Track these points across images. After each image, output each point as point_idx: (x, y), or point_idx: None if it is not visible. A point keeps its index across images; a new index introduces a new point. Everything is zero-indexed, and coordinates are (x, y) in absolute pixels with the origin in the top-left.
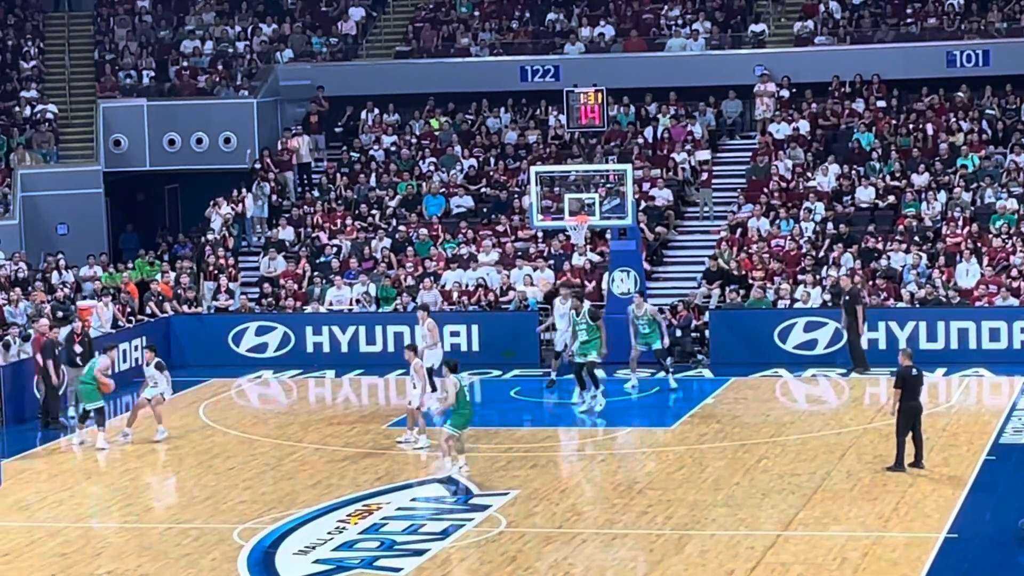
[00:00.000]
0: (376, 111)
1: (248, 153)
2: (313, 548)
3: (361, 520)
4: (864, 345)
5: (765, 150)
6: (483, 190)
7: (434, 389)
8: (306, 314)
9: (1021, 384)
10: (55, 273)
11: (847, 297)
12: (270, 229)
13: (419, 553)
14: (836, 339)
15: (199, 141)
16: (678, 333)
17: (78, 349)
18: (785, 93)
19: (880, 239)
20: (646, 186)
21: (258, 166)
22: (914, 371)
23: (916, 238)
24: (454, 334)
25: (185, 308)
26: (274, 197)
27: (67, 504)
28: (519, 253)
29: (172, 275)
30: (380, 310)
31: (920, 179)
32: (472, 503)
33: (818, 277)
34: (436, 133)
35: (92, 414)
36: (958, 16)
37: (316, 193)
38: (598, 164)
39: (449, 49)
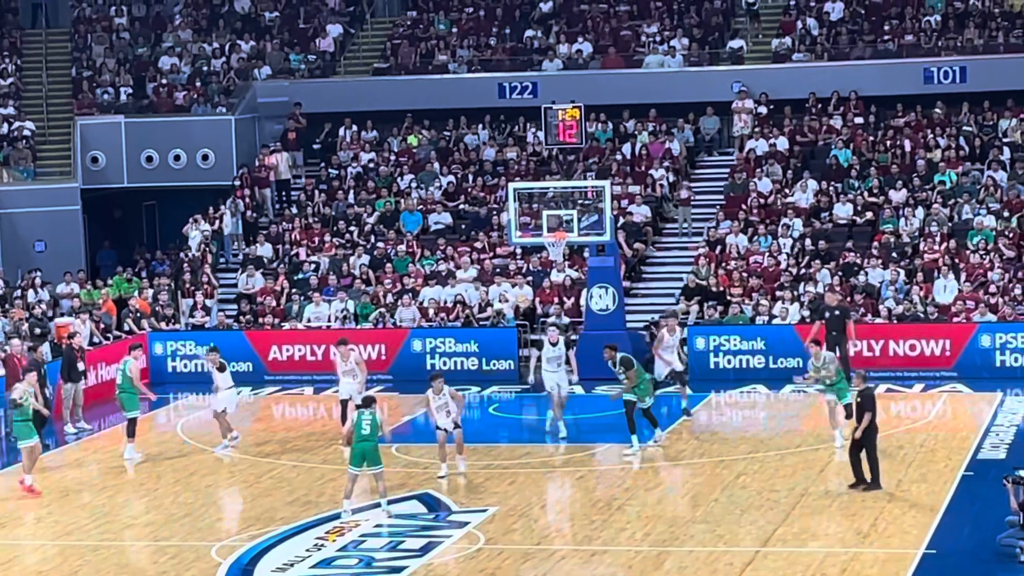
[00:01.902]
0: (354, 128)
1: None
2: (292, 565)
3: (340, 537)
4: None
5: (743, 166)
6: (461, 207)
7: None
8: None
9: (998, 400)
10: (31, 291)
11: (837, 312)
12: (248, 246)
13: (398, 570)
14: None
15: (177, 158)
16: None
17: (81, 367)
18: (763, 109)
19: (858, 255)
20: (624, 202)
21: (237, 183)
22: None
23: (894, 254)
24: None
25: (163, 325)
26: (250, 214)
27: (46, 521)
28: (498, 270)
29: (150, 292)
30: (359, 327)
31: (898, 195)
32: (451, 520)
33: (796, 293)
34: (414, 150)
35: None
36: (935, 33)
37: (294, 210)
38: (576, 181)
39: (427, 66)
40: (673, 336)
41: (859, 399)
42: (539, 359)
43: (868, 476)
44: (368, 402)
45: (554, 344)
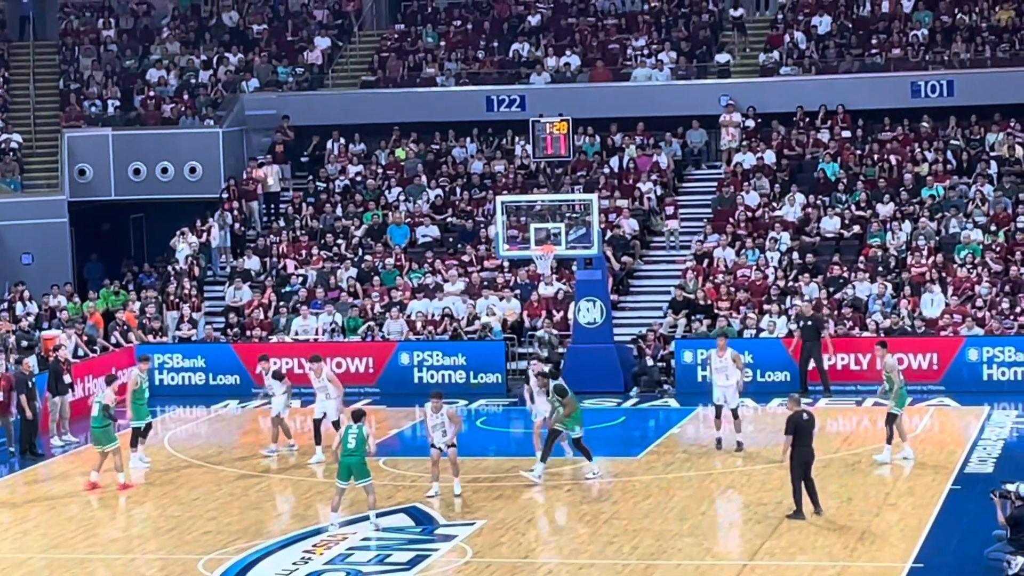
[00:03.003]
0: (342, 141)
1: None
2: None
3: (327, 550)
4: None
5: (731, 180)
6: (449, 220)
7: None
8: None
9: (986, 414)
10: (19, 303)
11: (810, 323)
12: (236, 259)
13: None
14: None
15: (164, 171)
16: (649, 362)
17: (67, 379)
18: (750, 123)
19: (845, 269)
20: (612, 216)
21: (224, 195)
22: (805, 416)
23: (881, 268)
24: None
25: (150, 338)
26: (238, 226)
27: (32, 535)
28: (485, 283)
29: (138, 305)
30: (346, 340)
31: (885, 209)
32: (438, 533)
33: (784, 307)
34: (402, 163)
35: (141, 430)
36: (922, 47)
37: (282, 223)
38: (564, 194)
39: (415, 79)
40: (722, 358)
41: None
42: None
43: (810, 503)
44: (358, 416)
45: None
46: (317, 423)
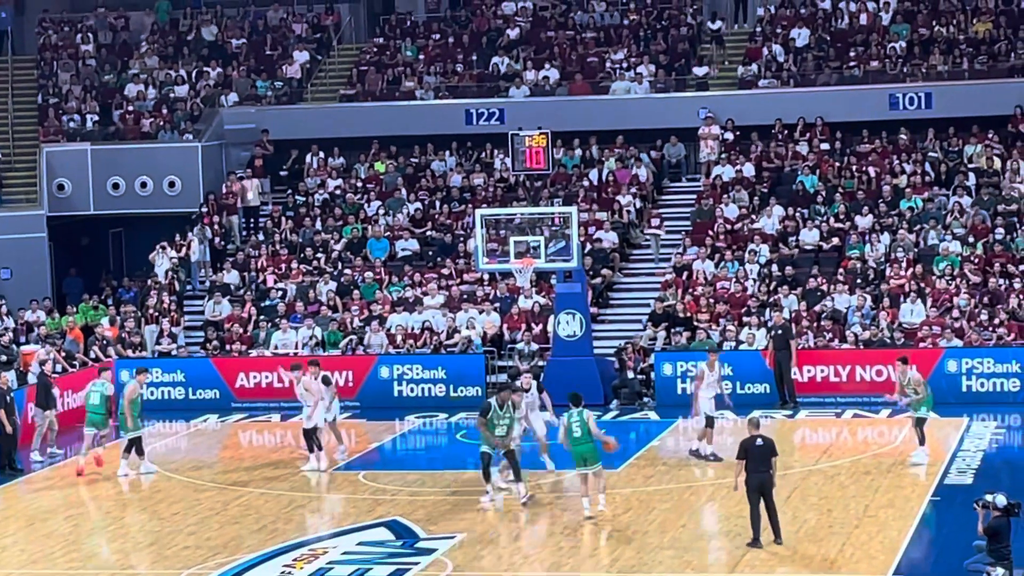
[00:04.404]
0: (321, 154)
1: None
2: None
3: (307, 565)
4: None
5: (710, 193)
6: (428, 233)
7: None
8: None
9: (965, 425)
10: None
11: (779, 332)
12: (215, 273)
13: None
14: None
15: (143, 185)
16: (629, 375)
17: (56, 392)
18: (729, 136)
19: (824, 281)
20: (591, 229)
21: (204, 209)
22: (759, 441)
23: (860, 280)
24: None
25: (130, 352)
26: (218, 241)
27: (11, 550)
28: (465, 296)
29: (118, 318)
30: (326, 353)
31: (864, 221)
32: (418, 547)
33: (763, 319)
34: (381, 176)
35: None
36: (900, 59)
37: (261, 236)
38: (543, 207)
39: (394, 92)
40: (713, 372)
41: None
42: None
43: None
44: (576, 400)
45: (527, 390)
46: (308, 432)
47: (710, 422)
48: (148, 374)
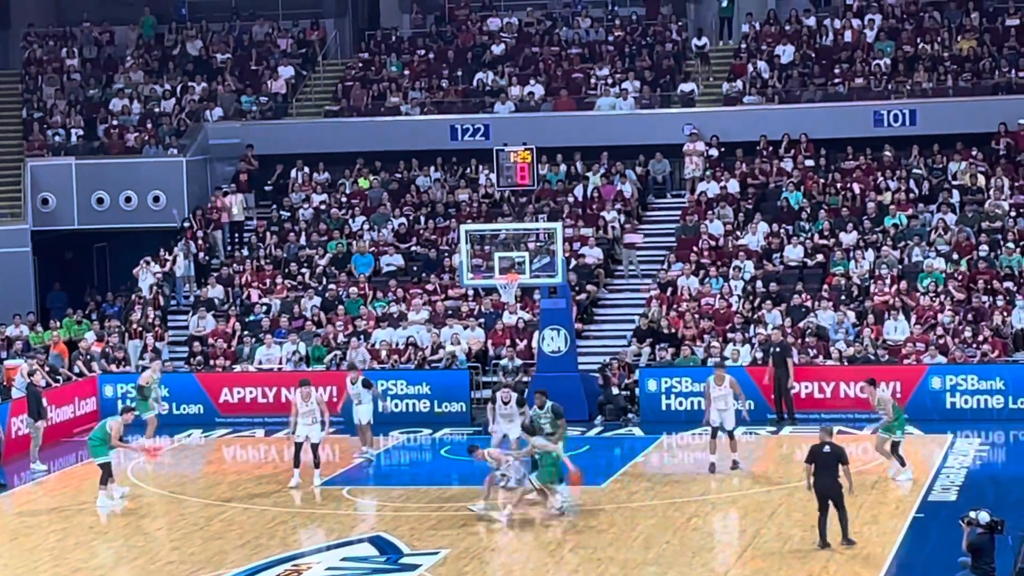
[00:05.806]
0: (306, 169)
1: (175, 212)
2: None
3: None
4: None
5: (694, 209)
6: (413, 248)
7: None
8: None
9: (949, 442)
10: None
11: (777, 349)
12: (199, 288)
13: None
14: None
15: (128, 200)
16: (614, 391)
17: (46, 402)
18: (714, 152)
19: (809, 297)
20: (576, 244)
21: (188, 224)
22: (826, 448)
23: (844, 296)
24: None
25: (113, 367)
26: (202, 255)
27: None
28: (449, 312)
29: (104, 333)
30: (311, 368)
31: (848, 237)
32: (402, 563)
33: (747, 335)
34: (366, 191)
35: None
36: (885, 76)
37: (246, 251)
38: (528, 223)
39: (379, 108)
40: (721, 386)
41: None
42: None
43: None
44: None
45: (506, 403)
46: (299, 446)
47: (714, 434)
48: (132, 414)
